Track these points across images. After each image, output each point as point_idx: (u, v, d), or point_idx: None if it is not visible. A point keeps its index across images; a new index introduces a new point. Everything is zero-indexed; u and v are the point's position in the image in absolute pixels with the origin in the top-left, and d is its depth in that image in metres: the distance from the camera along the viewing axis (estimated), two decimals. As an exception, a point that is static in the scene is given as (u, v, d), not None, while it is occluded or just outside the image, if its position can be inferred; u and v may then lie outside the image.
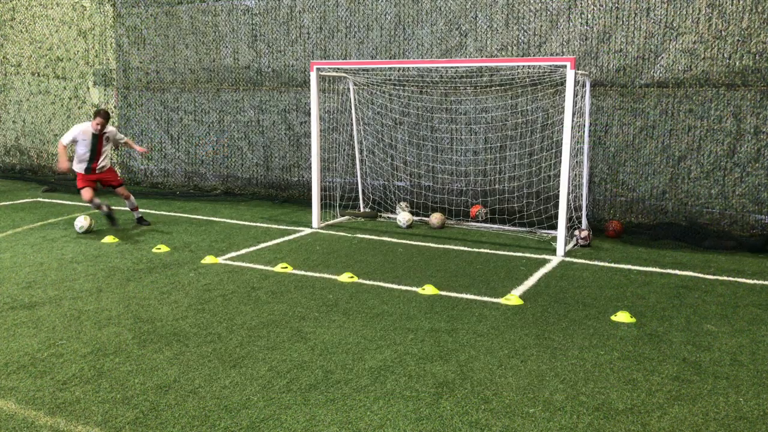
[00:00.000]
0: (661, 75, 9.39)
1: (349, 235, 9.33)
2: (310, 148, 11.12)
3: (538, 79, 9.82)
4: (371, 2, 11.21)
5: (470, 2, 10.42)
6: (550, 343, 5.23)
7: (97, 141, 9.29)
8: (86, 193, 9.28)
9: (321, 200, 10.05)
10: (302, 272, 7.28)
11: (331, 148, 11.58)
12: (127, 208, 10.15)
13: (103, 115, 9.16)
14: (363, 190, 11.14)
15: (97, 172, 9.50)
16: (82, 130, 9.23)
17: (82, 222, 9.28)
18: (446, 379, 4.55)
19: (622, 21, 9.52)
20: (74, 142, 9.21)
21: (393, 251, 8.36)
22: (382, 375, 4.61)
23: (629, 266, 7.67)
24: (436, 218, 9.88)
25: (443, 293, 6.53)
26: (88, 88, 14.82)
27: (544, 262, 7.88)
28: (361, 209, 10.97)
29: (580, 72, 8.68)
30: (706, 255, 8.30)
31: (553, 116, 9.93)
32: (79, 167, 9.38)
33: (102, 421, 3.94)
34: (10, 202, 11.81)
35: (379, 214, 10.77)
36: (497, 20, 10.26)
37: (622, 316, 5.80)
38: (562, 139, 8.16)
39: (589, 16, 9.69)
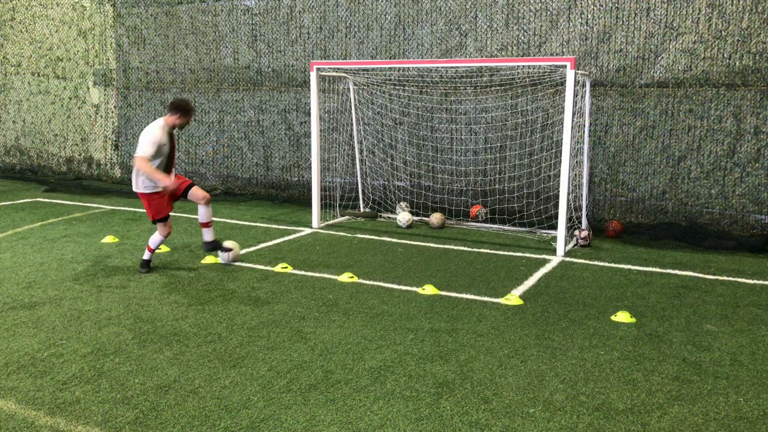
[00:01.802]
0: (661, 75, 9.39)
1: (349, 235, 9.33)
2: (310, 148, 11.12)
3: (538, 79, 9.82)
4: (371, 2, 11.21)
5: (470, 2, 10.42)
6: (550, 343, 5.23)
7: (172, 142, 7.05)
8: (166, 228, 7.15)
9: (321, 200, 10.05)
10: (302, 272, 7.28)
11: (331, 148, 11.58)
12: (198, 219, 7.43)
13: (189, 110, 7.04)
14: (363, 190, 11.14)
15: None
16: (159, 134, 6.79)
17: (230, 253, 7.55)
18: (446, 379, 4.55)
19: (622, 21, 9.52)
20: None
21: (393, 251, 8.36)
22: (382, 375, 4.61)
23: (629, 266, 7.67)
24: (436, 218, 9.88)
25: (443, 293, 6.53)
26: (88, 88, 14.83)
27: (544, 262, 7.88)
28: (361, 209, 10.97)
29: (580, 72, 8.68)
30: (706, 255, 8.30)
31: (553, 116, 9.93)
32: (146, 186, 6.92)
33: (102, 421, 3.94)
34: (10, 202, 11.81)
35: (379, 214, 10.77)
36: (497, 20, 10.26)
37: (622, 316, 5.80)
38: (562, 139, 8.16)
39: (589, 16, 9.69)
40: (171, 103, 6.94)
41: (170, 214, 7.25)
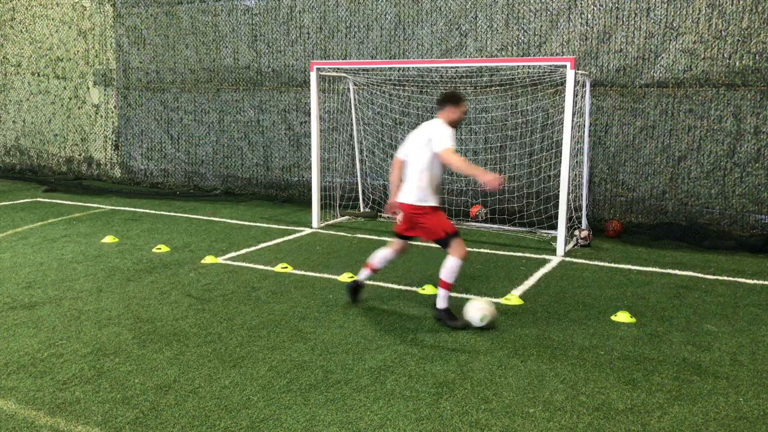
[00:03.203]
0: (661, 75, 9.39)
1: (349, 235, 9.33)
2: (310, 148, 11.12)
3: (538, 79, 9.82)
4: (371, 2, 11.21)
5: (470, 2, 10.42)
6: (550, 343, 5.23)
7: None
8: (462, 247, 5.68)
9: (321, 200, 10.05)
10: (302, 272, 7.28)
11: (331, 148, 11.58)
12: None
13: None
14: (363, 190, 11.14)
15: None
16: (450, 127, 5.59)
17: (482, 311, 5.51)
18: (446, 379, 4.55)
19: (622, 21, 9.51)
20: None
21: (393, 251, 8.35)
22: (382, 375, 4.61)
23: (629, 266, 7.67)
24: (436, 218, 9.87)
25: (443, 293, 6.53)
26: (88, 88, 14.83)
27: (544, 262, 7.88)
28: (361, 209, 10.96)
29: (580, 72, 8.68)
30: (706, 255, 8.30)
31: (553, 116, 9.93)
32: (434, 198, 5.71)
33: (102, 421, 3.94)
34: (10, 202, 11.81)
35: (379, 214, 10.77)
36: (497, 20, 10.26)
37: (622, 316, 5.80)
38: (562, 139, 8.16)
39: (589, 16, 9.69)
40: (441, 98, 5.72)
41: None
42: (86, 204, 11.69)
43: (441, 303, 5.64)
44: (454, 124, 5.64)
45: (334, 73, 10.58)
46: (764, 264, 7.89)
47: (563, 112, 8.13)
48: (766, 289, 6.82)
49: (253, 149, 12.90)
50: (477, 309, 5.53)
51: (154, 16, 13.58)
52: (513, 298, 6.30)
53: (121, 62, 14.23)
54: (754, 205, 9.10)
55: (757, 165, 9.02)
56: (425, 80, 10.79)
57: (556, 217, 8.45)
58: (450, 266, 5.59)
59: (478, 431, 3.88)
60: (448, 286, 5.59)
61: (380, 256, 6.03)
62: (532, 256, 8.16)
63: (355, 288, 6.17)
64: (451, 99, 5.66)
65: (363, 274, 6.15)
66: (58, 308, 5.96)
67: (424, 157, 5.58)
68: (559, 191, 8.30)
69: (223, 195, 12.81)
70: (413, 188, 5.66)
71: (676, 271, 7.47)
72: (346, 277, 6.99)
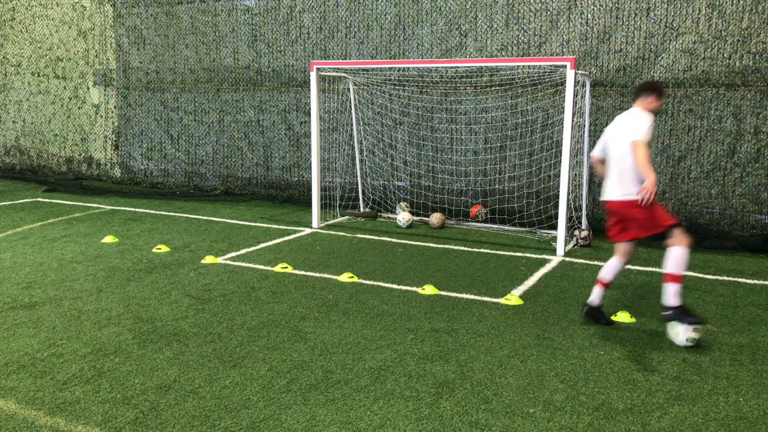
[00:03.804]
0: (661, 75, 9.39)
1: (349, 235, 9.33)
2: (310, 148, 11.12)
3: (538, 79, 9.82)
4: (371, 2, 11.21)
5: (470, 2, 10.42)
6: (550, 343, 5.23)
7: None
8: (685, 235, 5.18)
9: (321, 200, 10.05)
10: (302, 272, 7.28)
11: (331, 148, 11.58)
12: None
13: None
14: (363, 190, 11.14)
15: None
16: (651, 119, 5.37)
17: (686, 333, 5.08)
18: (446, 379, 4.55)
19: (622, 21, 9.52)
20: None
21: (393, 251, 8.36)
22: (382, 375, 4.61)
23: (629, 266, 7.67)
24: (436, 218, 9.88)
25: (443, 293, 6.53)
26: (88, 88, 14.83)
27: (544, 262, 7.88)
28: (361, 209, 10.97)
29: (580, 72, 8.68)
30: (706, 255, 8.30)
31: (553, 116, 9.93)
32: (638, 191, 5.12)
33: (102, 421, 3.94)
34: (10, 202, 11.81)
35: (379, 214, 10.77)
36: (497, 20, 10.27)
37: (622, 316, 5.80)
38: (562, 139, 8.17)
39: (589, 16, 9.69)
40: (640, 87, 5.53)
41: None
42: (86, 204, 11.69)
43: (672, 300, 5.00)
44: (655, 113, 5.42)
45: (334, 73, 10.58)
46: (764, 264, 7.89)
47: (563, 112, 8.14)
48: (766, 289, 6.82)
49: (253, 149, 12.90)
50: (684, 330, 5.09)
51: (154, 16, 13.58)
52: (513, 298, 6.30)
53: (121, 62, 14.23)
54: (754, 205, 9.10)
55: (757, 165, 9.02)
56: (425, 80, 10.79)
57: (556, 217, 8.45)
58: (676, 256, 5.01)
59: (478, 431, 3.88)
60: (679, 279, 5.00)
61: (611, 268, 5.53)
62: (532, 256, 8.17)
63: (593, 313, 5.62)
64: (651, 88, 5.45)
65: (596, 293, 5.59)
66: (58, 308, 5.96)
67: (627, 149, 5.24)
68: (559, 191, 8.30)
69: (223, 195, 12.81)
70: (618, 183, 5.34)
71: (676, 271, 7.47)
72: (346, 277, 6.99)
